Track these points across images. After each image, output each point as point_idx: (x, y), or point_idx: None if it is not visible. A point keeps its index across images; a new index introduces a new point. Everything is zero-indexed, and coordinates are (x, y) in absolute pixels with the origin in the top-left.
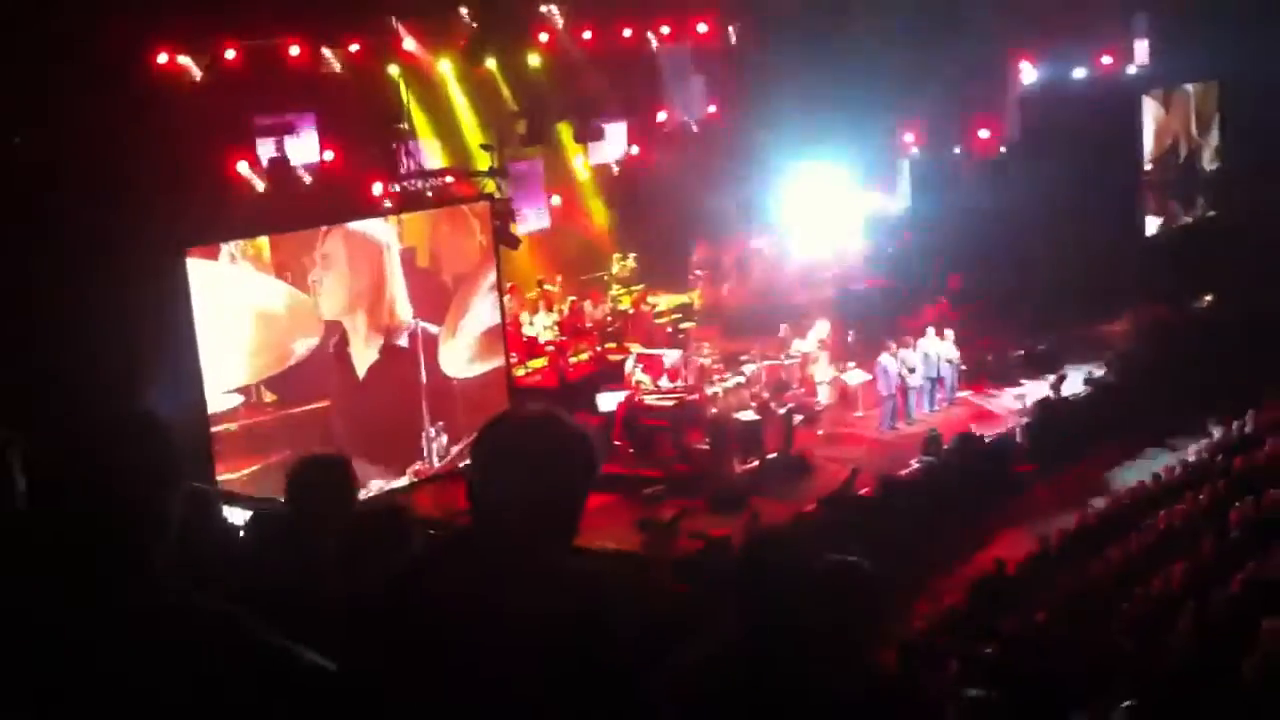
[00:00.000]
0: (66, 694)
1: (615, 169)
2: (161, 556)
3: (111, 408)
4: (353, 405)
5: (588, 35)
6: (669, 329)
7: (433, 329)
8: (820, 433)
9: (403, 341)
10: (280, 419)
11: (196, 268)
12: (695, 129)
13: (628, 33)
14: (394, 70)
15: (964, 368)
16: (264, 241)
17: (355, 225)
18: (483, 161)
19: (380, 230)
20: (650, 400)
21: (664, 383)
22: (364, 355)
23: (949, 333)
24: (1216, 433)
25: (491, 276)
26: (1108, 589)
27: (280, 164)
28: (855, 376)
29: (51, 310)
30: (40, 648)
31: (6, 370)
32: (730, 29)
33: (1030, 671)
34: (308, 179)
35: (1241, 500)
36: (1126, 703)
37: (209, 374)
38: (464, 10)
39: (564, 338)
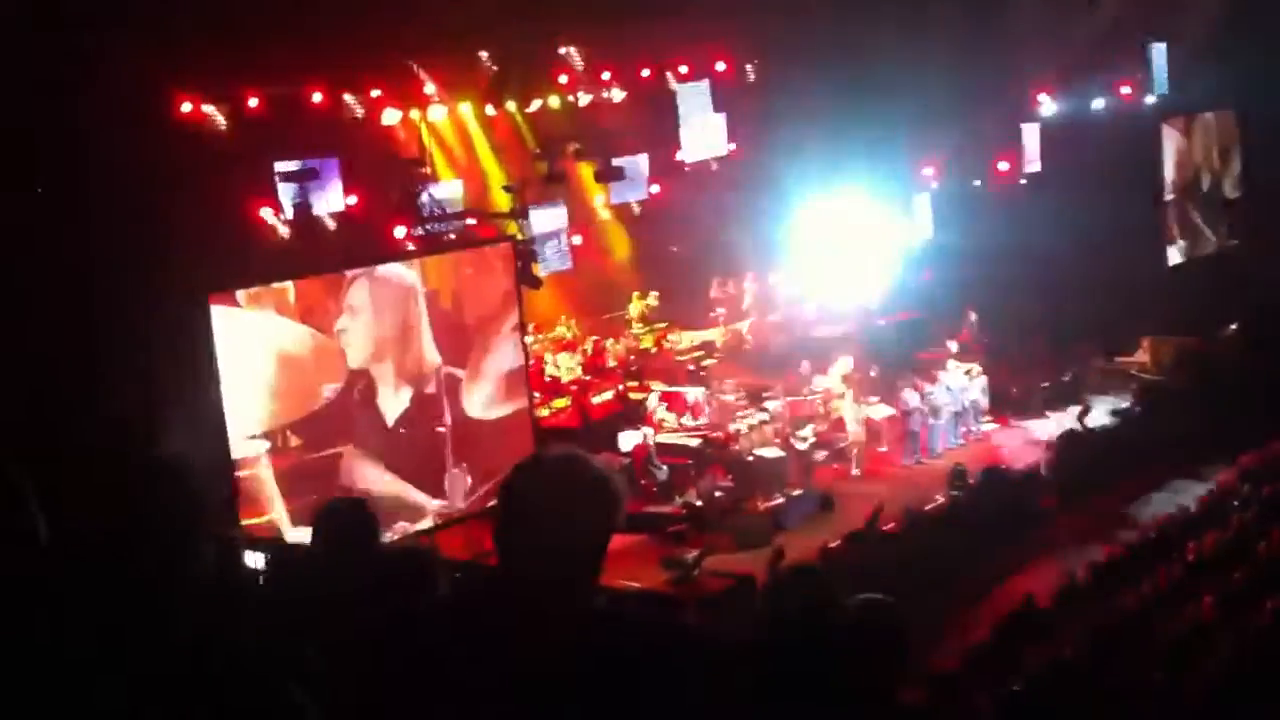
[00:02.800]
0: None
1: (636, 208)
2: (187, 600)
3: (135, 453)
4: (379, 448)
5: (607, 75)
6: (691, 366)
7: (458, 373)
8: (848, 469)
9: (430, 388)
10: (306, 463)
11: (221, 314)
12: (715, 166)
13: (646, 72)
14: (415, 114)
15: (988, 401)
16: (288, 286)
17: (381, 270)
18: (504, 203)
19: (405, 274)
20: (673, 438)
21: (687, 420)
22: (393, 403)
23: (973, 366)
24: (1244, 461)
25: (514, 318)
26: (1137, 621)
27: (303, 209)
28: (879, 411)
29: (76, 356)
30: (61, 687)
31: (31, 414)
32: (749, 66)
33: (1060, 706)
34: (331, 224)
35: (1270, 529)
36: None
37: (234, 419)
38: (484, 53)
39: (587, 377)
